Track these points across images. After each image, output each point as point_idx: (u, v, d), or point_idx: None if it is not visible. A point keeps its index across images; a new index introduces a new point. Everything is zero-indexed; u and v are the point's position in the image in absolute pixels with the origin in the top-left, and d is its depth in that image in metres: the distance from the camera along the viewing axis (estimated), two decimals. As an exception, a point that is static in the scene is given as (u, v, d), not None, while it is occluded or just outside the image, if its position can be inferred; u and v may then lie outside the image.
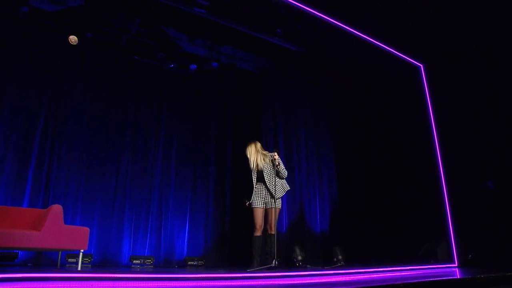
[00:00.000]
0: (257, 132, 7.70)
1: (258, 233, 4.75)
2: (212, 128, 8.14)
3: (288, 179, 7.29)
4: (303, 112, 7.95)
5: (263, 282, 4.20)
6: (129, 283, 2.80)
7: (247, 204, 4.89)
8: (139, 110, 7.44)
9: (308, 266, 6.25)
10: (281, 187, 4.94)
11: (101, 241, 6.48)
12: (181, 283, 3.55)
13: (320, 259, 6.82)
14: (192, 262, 6.73)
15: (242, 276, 4.44)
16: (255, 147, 5.05)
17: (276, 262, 5.23)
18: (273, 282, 4.33)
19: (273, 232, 4.74)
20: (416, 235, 6.48)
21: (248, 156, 5.01)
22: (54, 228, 4.21)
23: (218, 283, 4.08)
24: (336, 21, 6.14)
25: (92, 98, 6.97)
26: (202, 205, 7.59)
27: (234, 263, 7.13)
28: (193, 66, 7.85)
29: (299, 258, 6.34)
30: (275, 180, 4.79)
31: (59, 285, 3.10)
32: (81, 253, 4.51)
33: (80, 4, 6.53)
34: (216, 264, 7.11)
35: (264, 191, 4.88)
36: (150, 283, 3.43)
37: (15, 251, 5.59)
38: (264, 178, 4.84)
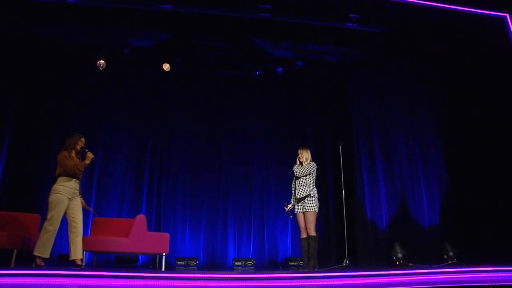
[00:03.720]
0: (349, 124, 7.32)
1: (303, 235, 4.92)
2: (307, 127, 8.06)
3: (385, 171, 6.72)
4: (396, 95, 7.18)
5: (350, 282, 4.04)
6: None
7: (287, 209, 5.04)
8: (234, 119, 7.90)
9: (410, 264, 5.60)
10: (306, 189, 4.93)
11: (208, 245, 7.05)
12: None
13: (429, 256, 6.00)
14: (293, 263, 6.75)
15: (310, 276, 4.34)
16: (310, 154, 5.14)
17: (347, 262, 4.94)
18: (357, 282, 4.10)
19: (311, 234, 4.80)
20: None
21: (302, 161, 5.04)
22: (139, 235, 4.85)
23: (286, 283, 4.08)
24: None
25: (190, 115, 7.73)
26: (305, 206, 7.54)
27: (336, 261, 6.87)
28: (280, 69, 7.95)
29: (399, 255, 5.74)
30: (302, 187, 4.95)
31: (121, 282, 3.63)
32: (164, 256, 5.06)
33: (168, 36, 7.39)
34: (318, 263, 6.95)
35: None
36: (194, 283, 3.67)
37: (135, 255, 6.54)
38: (296, 184, 5.04)
